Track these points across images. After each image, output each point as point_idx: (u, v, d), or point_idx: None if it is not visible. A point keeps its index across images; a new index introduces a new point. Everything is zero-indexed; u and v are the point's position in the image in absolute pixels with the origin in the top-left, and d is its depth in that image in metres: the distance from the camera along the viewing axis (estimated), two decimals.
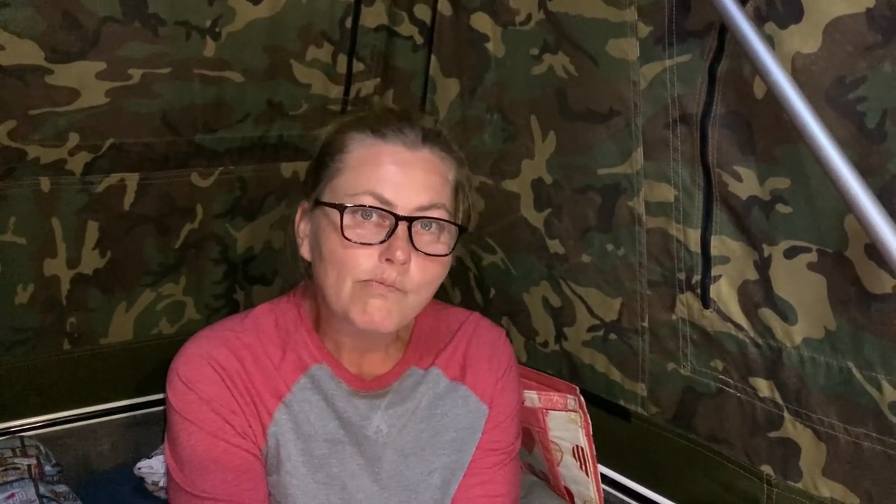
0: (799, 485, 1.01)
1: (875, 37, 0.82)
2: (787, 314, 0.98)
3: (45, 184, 1.42)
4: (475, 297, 1.63)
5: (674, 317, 1.15)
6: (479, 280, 1.60)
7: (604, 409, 1.32)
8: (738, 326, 1.05)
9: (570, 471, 1.40)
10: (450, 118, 1.53)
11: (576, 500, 1.41)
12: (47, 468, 1.43)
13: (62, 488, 1.41)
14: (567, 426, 1.37)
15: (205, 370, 0.97)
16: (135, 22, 1.29)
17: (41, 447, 1.52)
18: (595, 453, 1.33)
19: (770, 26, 0.91)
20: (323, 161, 0.97)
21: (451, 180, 0.97)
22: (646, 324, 1.20)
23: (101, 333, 1.65)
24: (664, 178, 1.11)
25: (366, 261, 0.90)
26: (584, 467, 1.36)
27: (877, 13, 0.81)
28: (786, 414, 1.01)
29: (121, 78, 1.35)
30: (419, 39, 1.51)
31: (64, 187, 1.44)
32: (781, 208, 0.95)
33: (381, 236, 0.89)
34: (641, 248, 1.18)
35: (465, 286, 1.66)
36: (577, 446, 1.36)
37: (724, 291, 1.06)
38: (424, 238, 0.92)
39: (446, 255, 0.95)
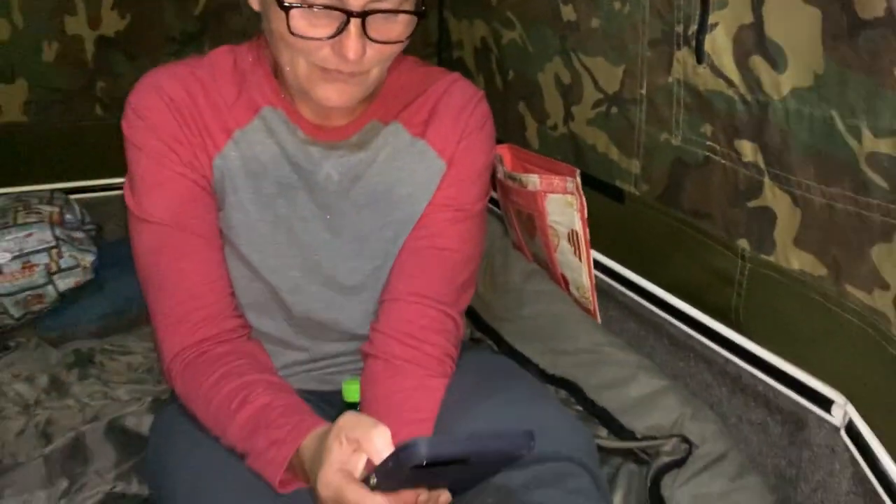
0: (771, 258, 0.91)
1: None
2: (778, 60, 0.84)
3: None
4: (496, 82, 1.53)
5: (670, 79, 1.03)
6: (500, 61, 1.50)
7: (600, 192, 1.24)
8: (728, 82, 0.92)
9: (565, 256, 1.34)
10: None
11: (570, 286, 1.36)
12: (68, 217, 1.51)
13: (79, 234, 1.48)
14: (564, 210, 1.30)
15: (153, 100, 0.95)
16: None
17: (73, 203, 1.60)
18: (589, 238, 1.27)
19: None
20: None
21: None
22: (643, 91, 1.09)
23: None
24: None
25: (317, 51, 0.83)
26: (577, 252, 1.31)
27: None
28: (766, 179, 0.90)
29: None
30: None
31: None
32: None
33: (332, 30, 0.81)
34: (645, 2, 1.04)
35: (487, 70, 1.56)
36: (572, 230, 1.30)
37: (720, 42, 0.92)
38: (379, 25, 0.82)
39: (403, 39, 0.85)
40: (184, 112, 0.95)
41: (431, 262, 0.99)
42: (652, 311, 1.18)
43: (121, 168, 1.74)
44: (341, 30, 0.81)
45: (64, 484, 1.09)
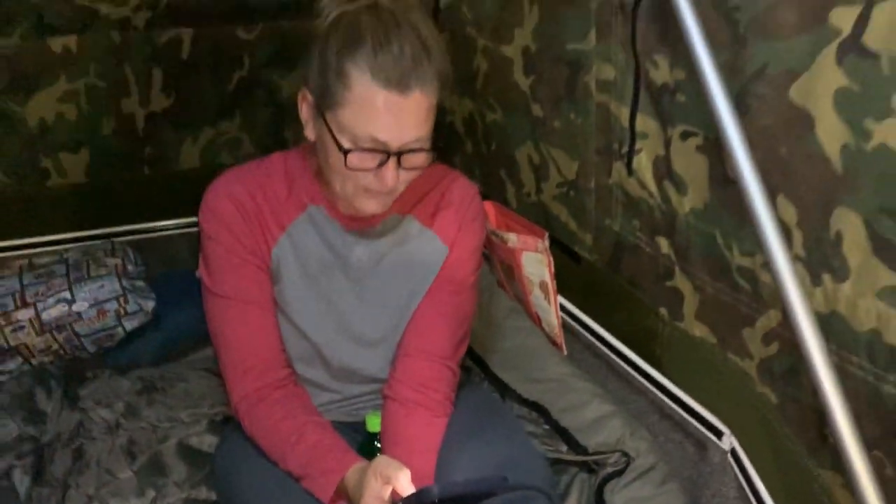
0: (681, 325, 1.24)
1: None
2: (680, 186, 1.16)
3: (115, 37, 1.70)
4: (481, 148, 1.85)
5: (610, 181, 1.35)
6: (485, 134, 1.81)
7: (564, 252, 1.55)
8: (650, 193, 1.24)
9: (538, 300, 1.66)
10: None
11: (542, 323, 1.68)
12: (129, 268, 1.82)
13: (140, 284, 1.80)
14: (536, 265, 1.62)
15: (224, 202, 1.25)
16: None
17: (127, 250, 1.92)
18: (556, 287, 1.59)
19: None
20: (326, 75, 1.08)
21: (434, 104, 1.11)
22: (592, 185, 1.40)
23: (174, 161, 1.98)
24: (608, 60, 1.27)
25: (363, 177, 1.11)
26: (547, 298, 1.63)
27: None
28: (676, 268, 1.22)
29: None
30: None
31: (131, 41, 1.72)
32: (679, 96, 1.11)
33: (376, 163, 1.09)
34: (591, 121, 1.35)
35: (474, 137, 1.87)
36: (543, 281, 1.62)
37: (643, 163, 1.24)
38: (409, 158, 1.11)
39: (425, 166, 1.14)
40: (248, 211, 1.25)
41: (436, 324, 1.30)
42: (603, 350, 1.50)
43: (161, 214, 2.05)
44: (383, 163, 1.09)
45: (152, 493, 1.41)
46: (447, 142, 1.93)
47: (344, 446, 1.17)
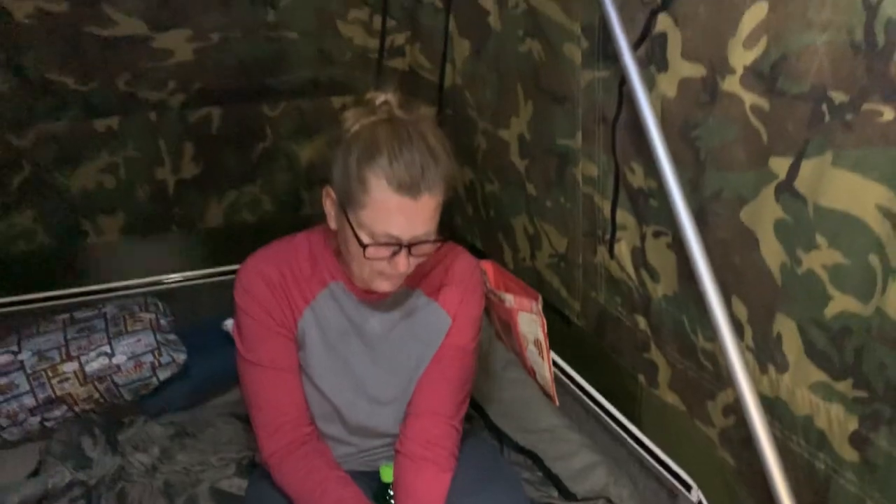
0: (656, 391, 1.43)
1: (706, 97, 1.13)
2: (654, 276, 1.35)
3: (152, 116, 1.89)
4: (480, 212, 2.04)
5: (595, 259, 1.54)
6: (484, 201, 2.00)
7: (555, 315, 1.74)
8: (628, 276, 1.43)
9: (532, 355, 1.85)
10: (464, 71, 1.88)
11: (536, 376, 1.87)
12: (162, 322, 2.01)
13: (172, 337, 1.99)
14: (530, 325, 1.81)
15: (256, 280, 1.44)
16: (214, 1, 1.68)
17: (159, 304, 2.10)
18: (548, 345, 1.78)
19: (651, 69, 1.22)
20: (348, 179, 1.23)
21: (441, 202, 1.28)
22: (580, 261, 1.60)
23: (199, 220, 2.17)
24: (592, 160, 1.46)
25: (378, 264, 1.30)
26: (541, 354, 1.82)
27: (708, 79, 1.12)
28: (651, 343, 1.41)
29: (204, 40, 1.76)
30: (439, 5, 1.83)
31: (166, 119, 1.91)
32: (652, 201, 1.30)
33: (390, 253, 1.27)
34: (579, 207, 1.54)
35: (474, 203, 2.06)
36: (537, 339, 1.81)
37: (622, 250, 1.43)
38: (419, 248, 1.29)
39: (432, 252, 1.32)
40: (276, 288, 1.43)
41: (440, 386, 1.49)
42: (590, 405, 1.69)
43: (187, 267, 2.23)
44: (396, 253, 1.27)
45: None
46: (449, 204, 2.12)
47: (363, 500, 1.35)
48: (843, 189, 0.93)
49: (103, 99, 1.81)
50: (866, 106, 0.88)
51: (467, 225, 2.12)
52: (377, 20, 1.87)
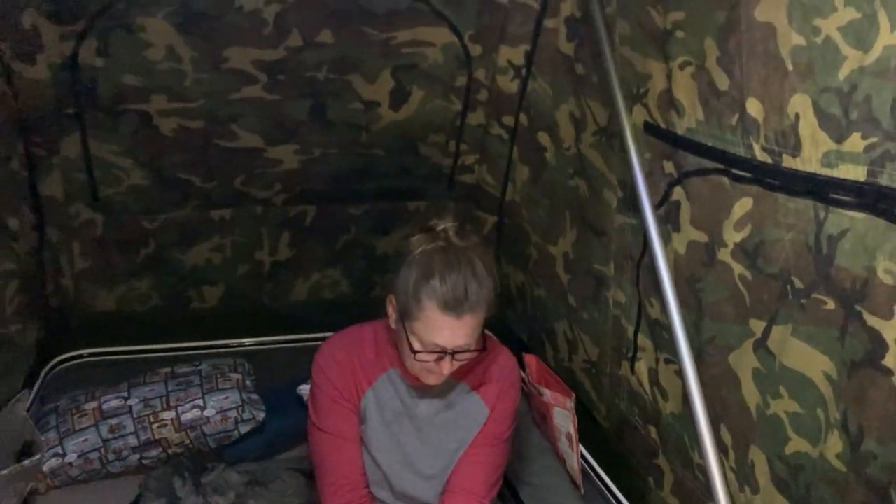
0: (662, 494, 1.65)
1: (706, 259, 1.39)
2: (664, 395, 1.59)
3: (259, 210, 2.26)
4: (528, 312, 2.31)
5: (620, 372, 1.79)
6: (532, 303, 2.28)
7: (585, 414, 1.99)
8: (645, 391, 1.68)
9: (563, 446, 2.09)
10: (522, 190, 2.18)
11: (566, 465, 2.11)
12: (247, 382, 2.33)
13: (254, 396, 2.31)
14: (563, 419, 2.05)
15: (331, 362, 1.74)
16: (317, 123, 2.04)
17: (245, 365, 2.43)
18: (578, 439, 2.01)
19: (668, 227, 1.49)
20: (406, 295, 1.48)
21: (482, 320, 1.55)
22: (608, 371, 1.85)
23: (287, 295, 2.51)
24: (621, 288, 1.72)
25: (426, 364, 1.57)
26: (571, 447, 2.05)
27: (709, 246, 1.39)
28: (660, 451, 1.64)
29: (308, 153, 2.12)
30: (505, 137, 2.15)
31: (269, 212, 2.27)
32: (665, 333, 1.56)
33: (436, 358, 1.54)
34: (609, 325, 1.80)
35: (523, 303, 2.34)
36: (568, 433, 2.05)
37: (641, 369, 1.68)
38: (462, 354, 1.57)
39: (473, 357, 1.59)
40: (346, 370, 1.73)
41: (476, 469, 1.75)
42: (609, 497, 1.91)
43: (271, 333, 2.55)
44: (441, 359, 1.57)
45: None
46: (501, 301, 2.40)
47: None
48: (800, 354, 1.18)
49: (221, 194, 2.18)
50: (815, 294, 1.13)
51: (516, 320, 2.40)
52: (452, 144, 2.19)
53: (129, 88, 1.85)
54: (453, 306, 1.46)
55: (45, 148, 1.92)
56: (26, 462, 1.92)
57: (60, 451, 2.11)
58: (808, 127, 1.08)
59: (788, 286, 1.19)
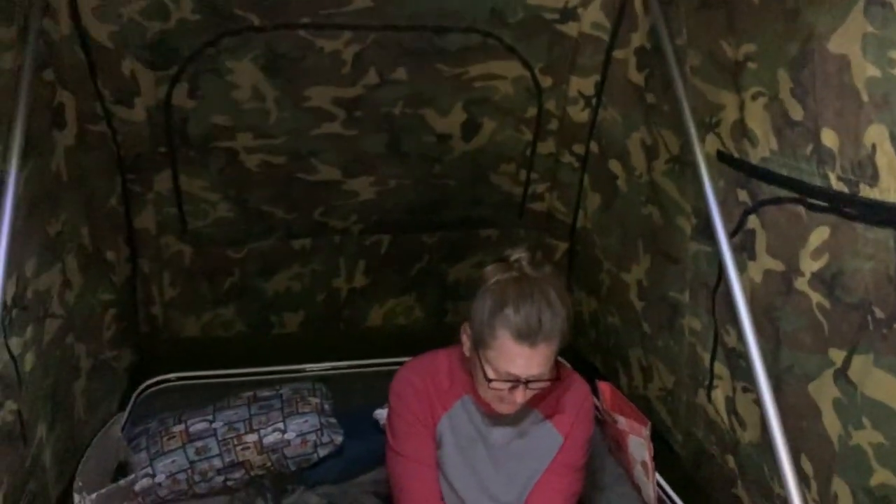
0: None
1: (783, 288, 1.39)
2: (742, 424, 1.58)
3: (336, 239, 2.34)
4: (601, 341, 2.32)
5: (696, 400, 1.78)
6: (605, 331, 2.28)
7: (661, 442, 1.98)
8: (722, 420, 1.66)
9: (639, 475, 2.08)
10: (594, 218, 2.20)
11: (642, 493, 2.09)
12: (326, 406, 2.40)
13: (332, 420, 2.37)
14: (639, 448, 2.04)
15: (407, 388, 1.79)
16: (392, 156, 2.11)
17: (324, 389, 2.50)
18: (654, 467, 2.00)
19: (744, 256, 1.49)
20: (481, 324, 1.51)
21: (556, 350, 1.56)
22: (684, 399, 1.84)
23: (363, 321, 2.58)
24: (696, 316, 1.72)
25: (499, 393, 1.60)
26: (646, 475, 2.04)
27: (785, 275, 1.38)
28: (738, 481, 1.63)
29: (383, 185, 2.19)
30: (576, 165, 2.18)
31: (347, 242, 2.35)
32: (741, 362, 1.55)
33: (509, 386, 1.57)
34: (684, 353, 1.80)
35: (596, 330, 2.34)
36: (643, 461, 2.04)
37: (718, 397, 1.67)
38: (534, 383, 1.60)
39: (546, 387, 1.62)
40: (422, 396, 1.77)
41: (551, 496, 1.76)
42: None
43: (348, 357, 2.62)
44: (514, 387, 1.60)
45: None
46: (574, 329, 2.41)
47: None
48: (883, 384, 1.16)
49: (302, 225, 2.27)
50: None
51: (589, 347, 2.40)
52: (523, 173, 2.23)
53: (218, 127, 1.95)
54: (527, 335, 1.49)
55: (140, 184, 2.04)
56: (122, 482, 2.02)
57: (151, 472, 2.21)
58: (885, 157, 1.08)
59: (869, 316, 1.18)
